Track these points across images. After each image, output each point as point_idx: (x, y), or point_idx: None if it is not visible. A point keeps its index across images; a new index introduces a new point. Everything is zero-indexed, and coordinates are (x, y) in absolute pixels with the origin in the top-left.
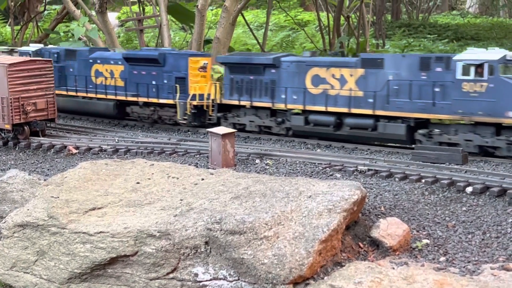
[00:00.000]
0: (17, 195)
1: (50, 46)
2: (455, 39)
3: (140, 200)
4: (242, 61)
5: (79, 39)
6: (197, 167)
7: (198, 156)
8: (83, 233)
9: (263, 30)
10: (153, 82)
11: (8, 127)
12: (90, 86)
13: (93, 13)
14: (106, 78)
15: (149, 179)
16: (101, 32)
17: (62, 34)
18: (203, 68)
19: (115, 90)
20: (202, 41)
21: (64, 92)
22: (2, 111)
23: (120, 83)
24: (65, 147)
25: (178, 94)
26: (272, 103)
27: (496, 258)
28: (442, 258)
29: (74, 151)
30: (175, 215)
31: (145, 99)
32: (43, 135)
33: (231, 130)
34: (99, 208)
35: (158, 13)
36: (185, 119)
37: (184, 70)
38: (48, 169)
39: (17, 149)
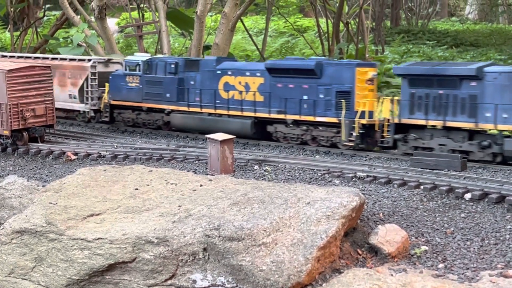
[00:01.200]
0: (15, 201)
1: (163, 55)
2: (454, 45)
3: (138, 206)
4: (429, 72)
5: (79, 45)
6: (195, 173)
7: (196, 162)
8: (81, 239)
9: (262, 36)
10: (305, 97)
11: (6, 133)
12: (218, 102)
13: (93, 19)
14: (240, 92)
15: (148, 185)
16: (100, 38)
17: (61, 40)
18: (371, 80)
19: (254, 106)
20: (201, 47)
21: (185, 108)
22: (1, 117)
23: (260, 97)
24: (64, 153)
25: (343, 112)
26: (474, 123)
27: (494, 265)
28: (440, 265)
29: (73, 157)
30: (173, 222)
31: (296, 117)
32: (42, 141)
33: (229, 136)
34: (98, 215)
35: (157, 19)
36: (351, 141)
37: (348, 83)
38: (47, 175)
39: (15, 155)
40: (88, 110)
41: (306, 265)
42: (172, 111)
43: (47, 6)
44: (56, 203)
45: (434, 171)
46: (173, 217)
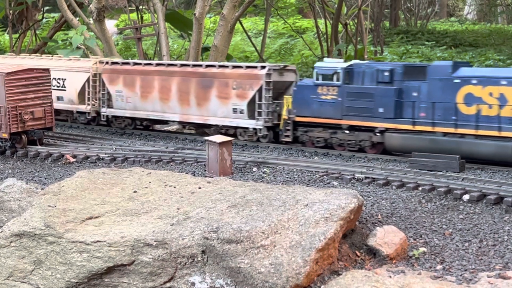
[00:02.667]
0: (14, 204)
1: (367, 61)
2: (453, 45)
3: (137, 209)
4: None
5: (78, 47)
6: (194, 175)
7: (195, 164)
8: (80, 242)
9: (261, 38)
10: None
11: (5, 136)
12: (456, 118)
13: (91, 21)
14: (490, 106)
15: (146, 188)
16: (99, 40)
17: (60, 42)
18: None
19: None
20: (200, 49)
21: (408, 127)
22: None
23: None
24: (63, 155)
25: None
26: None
27: (493, 266)
28: (439, 267)
29: (72, 159)
30: (172, 224)
31: None
32: (41, 144)
33: (228, 138)
34: (96, 217)
35: (156, 21)
36: None
37: None
38: (46, 178)
39: (14, 158)
40: (260, 127)
41: (305, 267)
42: (387, 129)
43: (46, 8)
44: (55, 206)
45: (432, 172)
46: (172, 220)
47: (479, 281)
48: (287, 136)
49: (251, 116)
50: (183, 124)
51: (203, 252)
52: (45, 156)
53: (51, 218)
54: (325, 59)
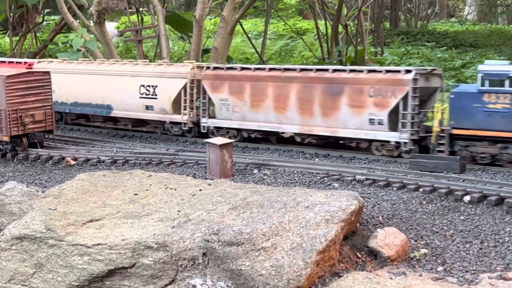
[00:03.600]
0: (15, 207)
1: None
2: (453, 46)
3: (137, 211)
4: None
5: (78, 50)
6: (195, 177)
7: (196, 166)
8: (81, 245)
9: (261, 39)
10: None
11: (6, 139)
12: None
13: (91, 23)
14: None
15: (147, 190)
16: (99, 42)
17: (60, 45)
18: None
19: None
20: (200, 51)
21: None
22: (0, 123)
23: None
24: (63, 158)
25: None
26: None
27: (494, 267)
28: (440, 268)
29: (72, 162)
30: (172, 227)
31: None
32: (41, 147)
33: (228, 140)
34: (97, 220)
35: (156, 23)
36: None
37: None
38: (46, 181)
39: (15, 161)
40: (404, 140)
41: (306, 269)
42: None
43: (46, 11)
44: (56, 209)
45: (433, 173)
46: (173, 222)
47: (480, 282)
48: (441, 151)
49: (392, 127)
50: (302, 136)
51: (204, 254)
52: (46, 159)
53: (52, 221)
54: (487, 61)
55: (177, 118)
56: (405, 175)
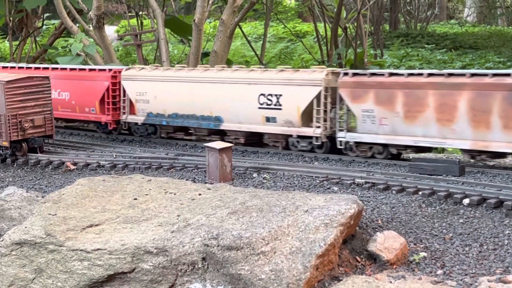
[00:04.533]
0: (15, 212)
1: None
2: (453, 48)
3: (137, 216)
4: None
5: (78, 54)
6: (194, 182)
7: (195, 170)
8: (81, 250)
9: (261, 42)
10: None
11: (5, 144)
12: None
13: (91, 28)
14: None
15: (147, 195)
16: (99, 47)
17: (60, 49)
18: None
19: None
20: (200, 54)
21: None
22: (0, 128)
23: None
24: (63, 163)
25: None
26: None
27: (493, 270)
28: (439, 271)
29: (72, 167)
30: (172, 231)
31: None
32: (41, 152)
33: (228, 144)
34: (97, 225)
35: (155, 27)
36: None
37: None
38: (46, 186)
39: (15, 166)
40: None
41: (305, 274)
42: None
43: (46, 15)
44: (55, 214)
45: (432, 176)
46: (172, 227)
47: (480, 285)
48: None
49: None
50: (473, 154)
51: (204, 259)
52: (46, 163)
53: (51, 226)
54: None
55: (307, 131)
56: (405, 178)
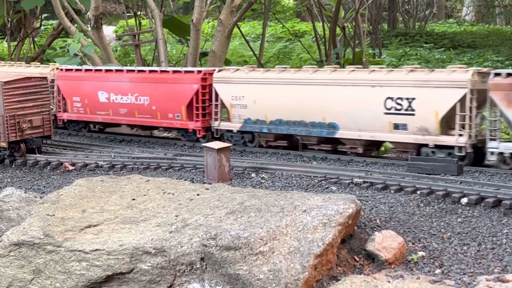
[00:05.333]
0: (13, 213)
1: None
2: (451, 47)
3: (135, 216)
4: None
5: (75, 55)
6: (193, 182)
7: (194, 171)
8: (79, 251)
9: (259, 42)
10: None
11: (4, 144)
12: None
13: (89, 28)
14: None
15: (145, 195)
16: (97, 47)
17: (58, 49)
18: None
19: None
20: (198, 54)
21: None
22: None
23: None
24: (61, 164)
25: None
26: None
27: (491, 269)
28: (437, 271)
29: (70, 167)
30: (170, 232)
31: None
32: (39, 152)
33: (226, 144)
34: (95, 226)
35: (154, 27)
36: None
37: None
38: (45, 186)
39: (13, 166)
40: None
41: (303, 273)
42: None
43: (44, 15)
44: (54, 215)
45: (430, 176)
46: (170, 227)
47: (478, 284)
48: None
49: None
50: None
51: (202, 259)
52: (44, 164)
53: (50, 227)
54: None
55: (448, 140)
56: (403, 178)
